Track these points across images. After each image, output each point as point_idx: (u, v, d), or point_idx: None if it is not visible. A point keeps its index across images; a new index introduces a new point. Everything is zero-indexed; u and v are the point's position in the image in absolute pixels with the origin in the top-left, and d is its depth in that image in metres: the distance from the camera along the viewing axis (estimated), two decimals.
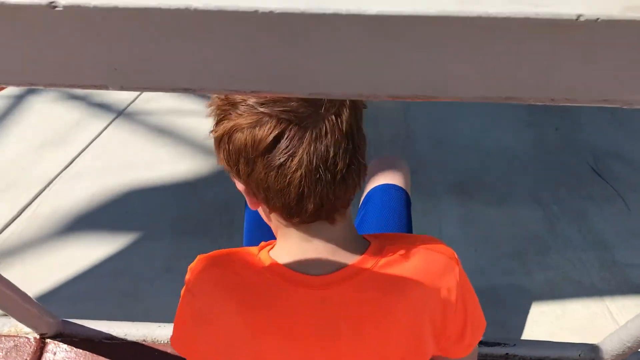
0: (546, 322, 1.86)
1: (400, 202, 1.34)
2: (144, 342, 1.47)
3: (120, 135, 3.01)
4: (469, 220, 2.37)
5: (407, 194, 1.38)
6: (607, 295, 1.97)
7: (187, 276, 0.84)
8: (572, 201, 2.50)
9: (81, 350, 1.44)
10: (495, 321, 1.86)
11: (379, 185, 1.37)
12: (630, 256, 2.17)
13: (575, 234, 2.29)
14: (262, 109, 0.65)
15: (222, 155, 0.75)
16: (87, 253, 2.14)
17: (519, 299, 1.96)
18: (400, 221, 1.31)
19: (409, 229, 1.32)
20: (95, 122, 3.12)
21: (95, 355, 1.43)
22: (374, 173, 1.43)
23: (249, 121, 0.67)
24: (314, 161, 0.67)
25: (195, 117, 3.18)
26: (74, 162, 2.76)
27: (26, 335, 1.44)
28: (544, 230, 2.31)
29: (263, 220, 0.88)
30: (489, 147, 2.94)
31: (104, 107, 3.28)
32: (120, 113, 3.23)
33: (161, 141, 2.96)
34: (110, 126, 3.10)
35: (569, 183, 2.63)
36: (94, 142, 2.95)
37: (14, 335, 1.44)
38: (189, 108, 3.28)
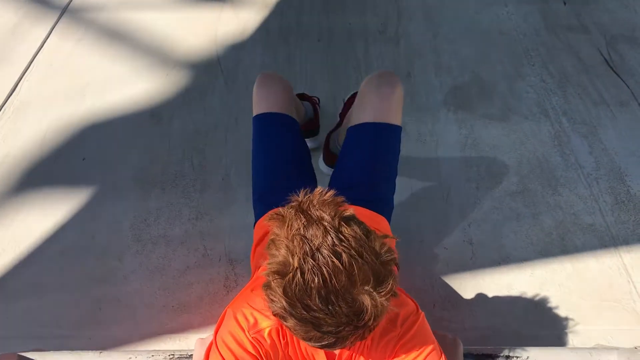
0: (554, 283, 1.67)
1: (393, 145, 1.45)
2: None
3: (65, 47, 2.56)
4: (469, 144, 2.08)
5: (398, 130, 1.45)
6: (622, 244, 1.76)
7: None
8: (583, 109, 2.18)
9: None
10: (500, 284, 1.66)
11: (373, 124, 1.42)
12: None
13: (587, 157, 2.01)
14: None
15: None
16: (42, 222, 1.86)
17: (525, 252, 1.74)
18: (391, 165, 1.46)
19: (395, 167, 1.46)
20: (35, 29, 2.64)
21: None
22: (366, 103, 1.45)
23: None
24: None
25: (151, 10, 2.70)
26: (17, 88, 2.35)
27: None
28: (553, 152, 2.03)
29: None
30: (490, 30, 2.53)
31: (42, 3, 2.77)
32: (63, 13, 2.73)
33: (114, 51, 2.52)
34: (53, 34, 2.63)
35: (580, 82, 2.29)
36: (37, 57, 2.50)
37: None
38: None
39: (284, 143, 1.49)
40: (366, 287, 0.88)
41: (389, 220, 1.44)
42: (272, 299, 0.92)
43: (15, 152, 2.07)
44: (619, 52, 2.39)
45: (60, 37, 2.58)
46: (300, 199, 0.94)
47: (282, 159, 1.47)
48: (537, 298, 1.62)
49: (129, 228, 1.83)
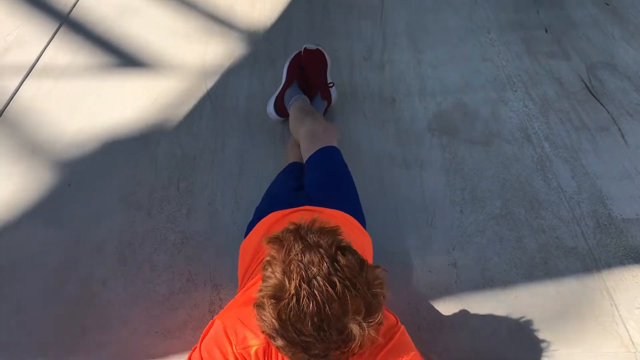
0: (538, 306, 1.67)
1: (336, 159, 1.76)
2: None
3: (53, 72, 2.56)
4: (452, 169, 2.09)
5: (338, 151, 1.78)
6: (604, 267, 1.76)
7: None
8: (564, 134, 2.20)
9: None
10: (484, 307, 1.66)
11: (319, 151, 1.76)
12: (625, 208, 1.93)
13: (569, 181, 2.03)
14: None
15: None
16: (27, 247, 1.84)
17: (509, 275, 1.75)
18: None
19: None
20: (23, 53, 2.65)
21: None
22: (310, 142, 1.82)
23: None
24: None
25: (140, 36, 2.72)
26: (3, 113, 2.35)
27: None
28: (536, 176, 2.04)
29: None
30: (473, 56, 2.57)
31: (31, 29, 2.78)
32: (51, 39, 2.74)
33: (101, 76, 2.52)
34: (40, 59, 2.63)
35: (561, 108, 2.32)
36: (23, 83, 2.51)
37: None
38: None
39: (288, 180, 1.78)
40: (357, 317, 0.92)
41: (361, 220, 1.60)
42: (263, 319, 0.95)
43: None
44: (599, 78, 2.43)
45: (49, 61, 2.58)
46: (299, 224, 0.98)
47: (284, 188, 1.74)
48: (521, 321, 1.62)
49: (114, 252, 1.82)
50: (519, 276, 1.73)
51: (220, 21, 2.86)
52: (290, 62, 2.18)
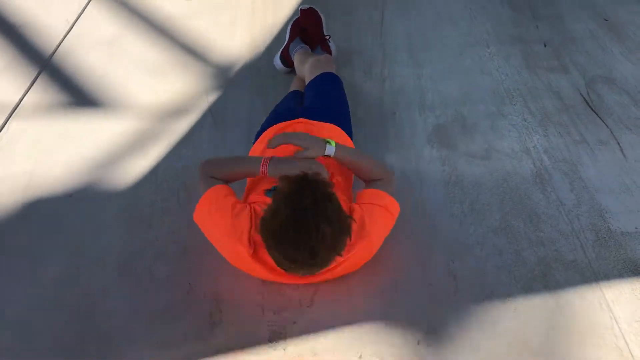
0: (538, 319, 1.67)
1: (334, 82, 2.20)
2: None
3: (57, 81, 2.58)
4: (452, 181, 2.10)
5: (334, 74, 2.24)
6: (603, 280, 1.76)
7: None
8: (564, 147, 2.21)
9: None
10: (483, 320, 1.66)
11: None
12: (625, 221, 1.94)
13: (568, 194, 2.03)
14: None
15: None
16: (26, 257, 1.85)
17: (508, 286, 1.74)
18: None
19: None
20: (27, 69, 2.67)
21: None
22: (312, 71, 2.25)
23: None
24: None
25: (141, 45, 2.74)
26: (6, 126, 2.37)
27: None
28: (535, 189, 2.05)
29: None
30: (472, 70, 2.59)
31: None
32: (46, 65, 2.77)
33: (102, 84, 2.54)
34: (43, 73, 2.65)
35: (560, 121, 2.33)
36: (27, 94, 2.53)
37: None
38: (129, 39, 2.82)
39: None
40: (327, 243, 1.38)
41: (349, 133, 1.98)
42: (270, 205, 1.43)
43: (1, 188, 2.07)
44: (597, 93, 2.45)
45: (51, 72, 2.60)
46: (306, 173, 1.41)
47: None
48: (521, 334, 1.62)
49: (114, 264, 1.82)
50: (519, 289, 1.73)
51: (222, 36, 2.89)
52: (292, 23, 2.54)
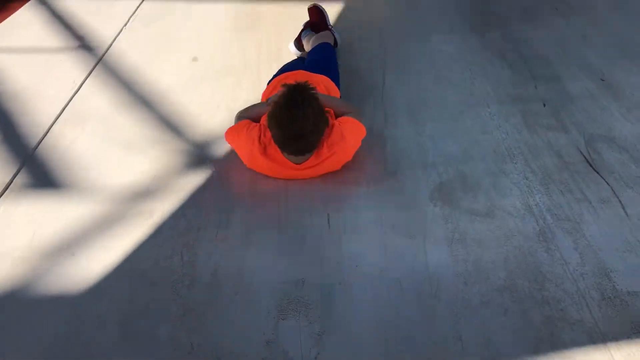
0: None
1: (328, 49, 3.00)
2: None
3: (68, 136, 2.62)
4: (455, 240, 2.09)
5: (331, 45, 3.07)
6: (612, 341, 1.74)
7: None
8: (566, 206, 2.22)
9: None
10: None
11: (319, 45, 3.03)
12: (630, 280, 1.92)
13: (572, 253, 2.02)
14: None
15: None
16: (25, 317, 1.83)
17: (515, 348, 1.72)
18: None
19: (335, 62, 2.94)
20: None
21: None
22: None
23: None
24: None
25: (144, 106, 2.79)
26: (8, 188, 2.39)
27: None
28: (539, 248, 2.04)
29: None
30: (473, 129, 2.63)
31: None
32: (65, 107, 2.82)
33: (108, 141, 2.58)
34: (56, 124, 2.70)
35: (562, 180, 2.35)
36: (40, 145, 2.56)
37: None
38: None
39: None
40: (310, 122, 2.09)
41: (336, 84, 2.71)
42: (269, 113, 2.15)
43: (3, 249, 2.07)
44: (597, 151, 2.47)
45: (62, 126, 2.65)
46: (299, 82, 2.14)
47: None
48: None
49: (116, 323, 1.80)
50: (525, 349, 1.71)
51: (227, 97, 2.95)
52: (305, 22, 3.28)
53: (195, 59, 3.31)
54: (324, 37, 3.09)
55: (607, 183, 2.32)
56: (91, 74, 3.14)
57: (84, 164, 2.48)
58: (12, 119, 2.79)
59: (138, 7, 3.96)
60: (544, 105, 2.82)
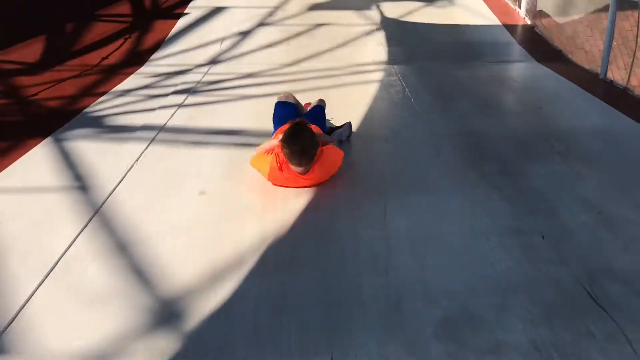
0: None
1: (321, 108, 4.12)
2: None
3: (83, 261, 2.65)
4: None
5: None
6: None
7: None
8: (571, 342, 2.19)
9: None
10: None
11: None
12: None
13: None
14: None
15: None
16: None
17: None
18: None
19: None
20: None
21: None
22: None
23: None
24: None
25: (152, 243, 2.83)
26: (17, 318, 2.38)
27: None
28: None
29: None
30: (474, 262, 2.65)
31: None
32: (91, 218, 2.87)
33: (113, 264, 2.60)
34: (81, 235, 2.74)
35: (565, 314, 2.34)
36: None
37: None
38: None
39: (289, 109, 3.99)
40: (307, 142, 3.19)
41: (323, 130, 3.81)
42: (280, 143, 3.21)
43: None
44: (598, 285, 2.48)
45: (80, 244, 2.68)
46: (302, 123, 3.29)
47: (287, 113, 3.90)
48: None
49: None
50: None
51: (232, 229, 3.02)
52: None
53: (202, 193, 3.42)
54: (321, 100, 4.16)
55: (612, 318, 2.30)
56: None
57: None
58: None
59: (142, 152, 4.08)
60: (543, 237, 2.87)
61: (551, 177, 3.53)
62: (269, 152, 3.34)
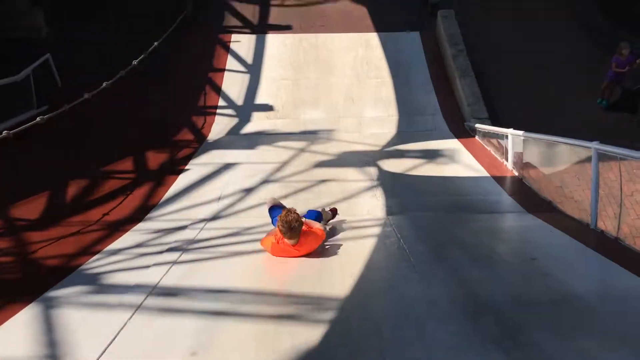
0: None
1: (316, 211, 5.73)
2: None
3: None
4: None
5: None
6: None
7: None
8: None
9: None
10: None
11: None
12: None
13: None
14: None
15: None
16: None
17: None
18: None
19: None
20: None
21: None
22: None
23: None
24: None
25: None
26: None
27: None
28: None
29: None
30: None
31: None
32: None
33: None
34: None
35: None
36: None
37: None
38: None
39: (280, 208, 5.33)
40: (295, 222, 4.76)
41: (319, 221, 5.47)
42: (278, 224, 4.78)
43: None
44: None
45: None
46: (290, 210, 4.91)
47: (279, 211, 5.18)
48: None
49: None
50: None
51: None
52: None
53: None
54: (324, 212, 5.77)
55: None
56: None
57: None
58: None
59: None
60: None
61: (548, 328, 3.45)
62: (271, 234, 4.93)
